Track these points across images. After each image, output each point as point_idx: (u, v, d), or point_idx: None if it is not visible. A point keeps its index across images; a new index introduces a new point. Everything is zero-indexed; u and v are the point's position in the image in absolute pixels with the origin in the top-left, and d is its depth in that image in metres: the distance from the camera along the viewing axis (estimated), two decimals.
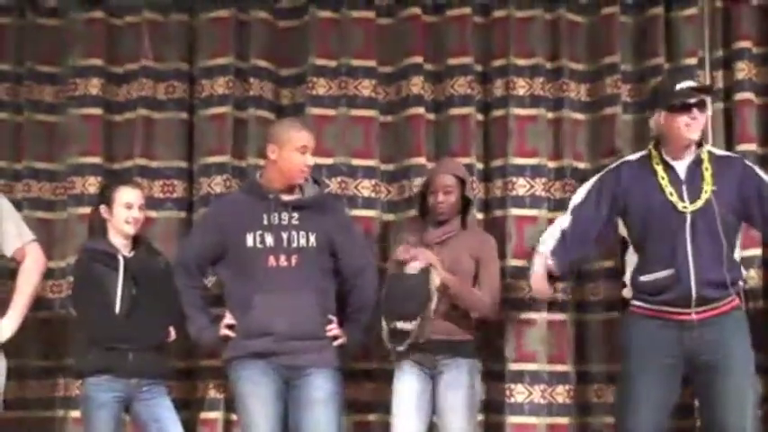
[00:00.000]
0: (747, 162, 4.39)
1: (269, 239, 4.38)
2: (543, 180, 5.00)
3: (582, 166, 5.06)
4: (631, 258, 4.40)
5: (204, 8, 5.18)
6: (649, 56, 5.05)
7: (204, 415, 4.90)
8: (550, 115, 5.07)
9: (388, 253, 4.87)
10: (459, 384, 4.43)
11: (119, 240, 4.51)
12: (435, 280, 4.37)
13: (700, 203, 4.18)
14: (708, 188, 4.20)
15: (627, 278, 4.39)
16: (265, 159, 4.53)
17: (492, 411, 4.90)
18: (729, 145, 4.90)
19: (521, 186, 4.99)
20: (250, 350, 4.34)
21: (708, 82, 4.91)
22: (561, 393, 4.90)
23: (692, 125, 4.22)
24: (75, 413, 4.73)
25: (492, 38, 5.15)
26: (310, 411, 4.31)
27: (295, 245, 4.38)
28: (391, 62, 5.18)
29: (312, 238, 4.40)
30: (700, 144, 4.31)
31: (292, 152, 4.41)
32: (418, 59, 5.10)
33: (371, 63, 5.14)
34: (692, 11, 5.02)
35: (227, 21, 5.14)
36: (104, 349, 4.38)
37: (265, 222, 4.39)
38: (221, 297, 4.58)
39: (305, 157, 4.42)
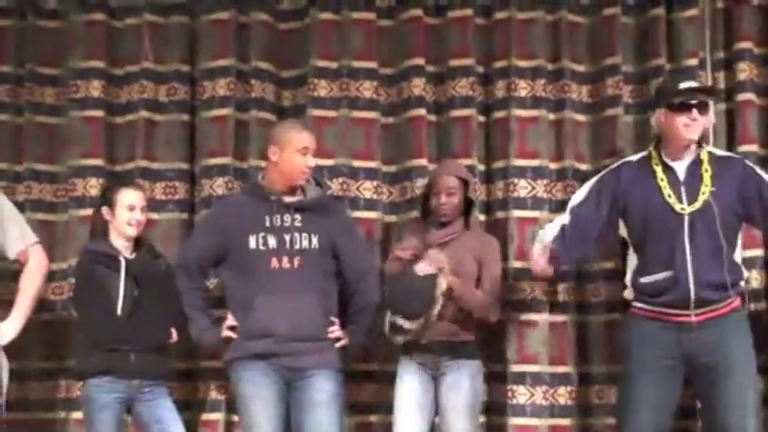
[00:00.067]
0: (748, 162, 4.38)
1: (272, 241, 4.38)
2: (545, 181, 5.00)
3: (583, 167, 5.05)
4: (632, 260, 4.40)
5: (205, 10, 5.17)
6: (651, 57, 5.05)
7: (205, 416, 4.90)
8: (552, 116, 5.07)
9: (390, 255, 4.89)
10: (462, 385, 4.43)
11: (120, 242, 4.51)
12: (442, 284, 4.37)
13: (698, 205, 4.18)
14: (706, 189, 4.20)
15: (627, 279, 4.39)
16: (267, 161, 4.53)
17: (494, 413, 4.90)
18: (731, 146, 4.90)
19: (522, 188, 4.99)
20: (251, 351, 4.34)
21: (709, 83, 4.91)
22: (563, 395, 4.90)
23: (690, 126, 4.21)
24: (77, 414, 4.73)
25: (493, 39, 5.15)
26: (312, 413, 4.30)
27: (297, 247, 4.38)
28: (392, 64, 5.18)
29: (315, 240, 4.40)
30: (700, 145, 4.30)
31: (293, 153, 4.41)
32: (419, 61, 5.10)
33: (373, 65, 5.14)
34: (693, 12, 5.02)
35: (227, 23, 5.14)
36: (106, 351, 4.38)
37: (268, 224, 4.40)
38: (223, 298, 4.58)
39: (306, 159, 4.42)
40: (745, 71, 4.94)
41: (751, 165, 4.36)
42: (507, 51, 5.08)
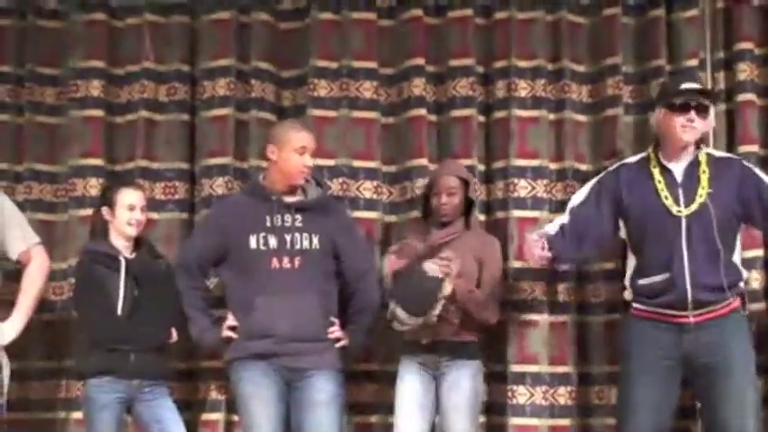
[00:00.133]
0: (746, 163, 4.39)
1: (272, 241, 4.38)
2: (545, 181, 5.00)
3: (583, 167, 5.05)
4: (631, 261, 4.40)
5: (205, 10, 5.18)
6: (651, 57, 5.05)
7: (205, 416, 4.89)
8: (552, 117, 5.07)
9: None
10: (463, 385, 4.43)
11: (120, 242, 4.51)
12: (447, 288, 4.36)
13: (694, 207, 4.18)
14: (703, 191, 4.20)
15: (626, 281, 4.39)
16: (266, 161, 4.53)
17: (494, 413, 4.90)
18: (731, 146, 4.90)
19: (522, 188, 4.99)
20: (252, 351, 4.34)
21: (709, 83, 4.92)
22: (563, 395, 4.90)
23: (687, 127, 4.21)
24: (78, 414, 4.72)
25: (493, 39, 5.15)
26: (312, 413, 4.30)
27: (298, 247, 4.38)
28: (393, 64, 5.18)
29: (315, 241, 4.40)
30: (698, 146, 4.30)
31: (291, 153, 4.41)
32: (420, 61, 5.10)
33: (373, 65, 5.14)
34: (693, 12, 5.02)
35: (228, 22, 5.14)
36: (106, 350, 4.38)
37: (268, 224, 4.40)
38: (223, 298, 4.58)
39: (303, 158, 4.42)
40: (745, 71, 4.94)
41: (749, 165, 4.36)
42: (507, 51, 5.08)
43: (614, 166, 4.47)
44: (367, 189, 5.06)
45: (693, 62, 4.98)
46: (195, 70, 5.18)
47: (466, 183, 4.62)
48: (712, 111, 4.32)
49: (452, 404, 4.42)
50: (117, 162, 5.16)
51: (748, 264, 4.70)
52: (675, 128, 4.22)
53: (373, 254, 4.86)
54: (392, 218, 5.08)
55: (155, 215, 4.97)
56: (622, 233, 4.41)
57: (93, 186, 5.05)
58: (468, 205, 4.64)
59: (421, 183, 4.92)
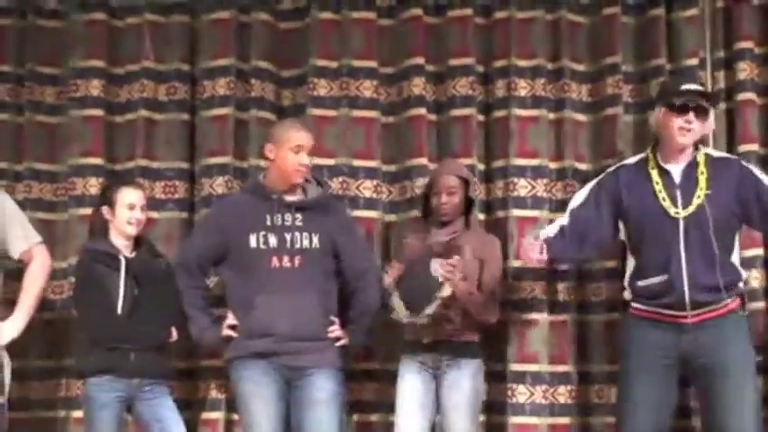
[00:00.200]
0: (744, 163, 4.38)
1: (272, 240, 4.38)
2: (545, 181, 5.00)
3: (583, 166, 5.06)
4: (630, 262, 4.40)
5: (205, 9, 5.18)
6: (650, 56, 5.05)
7: (205, 415, 4.89)
8: (552, 116, 5.08)
9: (390, 254, 4.90)
10: (463, 385, 4.43)
11: (120, 241, 4.51)
12: (445, 291, 4.37)
13: (692, 209, 4.18)
14: (701, 193, 4.19)
15: (626, 281, 4.39)
16: (266, 160, 4.54)
17: (494, 412, 4.90)
18: (731, 145, 4.90)
19: (522, 187, 4.99)
20: (252, 350, 4.34)
21: (709, 83, 4.92)
22: (563, 394, 4.90)
23: (684, 129, 4.21)
24: (78, 413, 4.72)
25: (493, 39, 5.15)
26: (312, 412, 4.30)
27: (298, 246, 4.38)
28: (392, 63, 5.18)
29: (315, 240, 4.40)
30: (697, 147, 4.30)
31: (287, 152, 4.42)
32: (419, 60, 5.10)
33: (373, 64, 5.14)
34: (693, 11, 5.02)
35: (228, 22, 5.15)
36: (106, 349, 4.38)
37: (268, 223, 4.40)
38: (223, 297, 4.57)
39: (299, 157, 4.42)
40: (745, 71, 4.94)
41: (748, 165, 4.35)
42: (507, 51, 5.08)
43: (613, 168, 4.47)
44: (367, 188, 5.06)
45: (693, 61, 4.98)
46: (195, 70, 5.18)
47: (466, 182, 4.62)
48: (712, 114, 4.31)
49: (453, 403, 4.43)
50: (117, 161, 5.16)
51: (748, 263, 4.70)
52: (673, 129, 4.22)
53: (373, 253, 4.86)
54: (392, 217, 5.09)
55: (154, 214, 4.97)
56: (622, 235, 4.41)
57: (93, 185, 5.05)
58: (468, 204, 4.64)
59: (421, 182, 4.93)
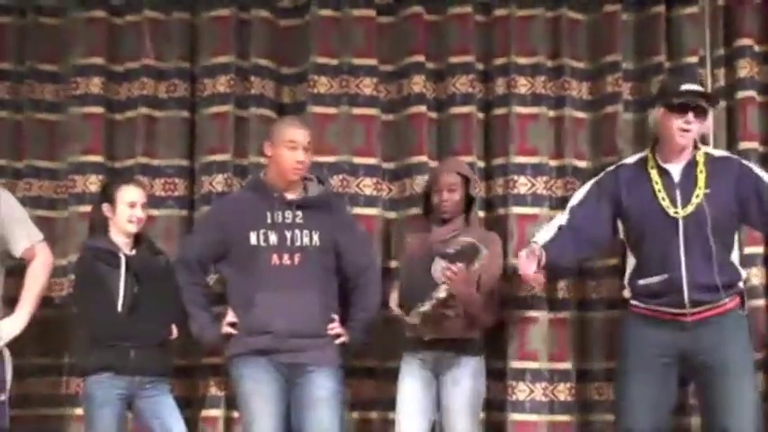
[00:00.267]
0: (744, 161, 4.38)
1: (273, 238, 4.39)
2: (545, 178, 5.00)
3: (583, 164, 5.05)
4: (630, 260, 4.40)
5: (205, 7, 5.17)
6: (651, 54, 5.05)
7: (205, 412, 4.89)
8: (552, 114, 5.07)
9: (391, 251, 4.91)
10: (463, 383, 4.44)
11: (120, 238, 4.52)
12: (440, 292, 4.37)
13: (691, 208, 4.18)
14: (700, 192, 4.19)
15: (625, 280, 4.40)
16: (266, 157, 4.54)
17: (494, 409, 4.90)
18: (732, 143, 4.90)
19: (522, 185, 4.99)
20: (252, 348, 4.34)
21: (709, 80, 4.92)
22: (563, 391, 4.90)
23: (684, 129, 4.21)
24: (78, 411, 4.73)
25: (493, 36, 5.15)
26: (313, 410, 4.31)
27: (298, 243, 4.39)
28: (392, 60, 5.18)
29: (315, 237, 4.41)
30: (696, 146, 4.30)
31: (282, 148, 4.42)
32: (419, 58, 5.10)
33: (373, 61, 5.14)
34: (693, 9, 5.02)
35: (228, 19, 5.14)
36: (106, 347, 4.39)
37: (269, 221, 4.40)
38: (223, 295, 4.58)
39: (295, 153, 4.42)
40: (745, 68, 4.94)
41: (747, 164, 4.35)
42: (507, 48, 5.08)
43: (613, 167, 4.47)
44: (367, 186, 5.06)
45: (693, 59, 4.98)
46: (195, 67, 5.18)
47: (466, 180, 4.62)
48: (711, 113, 4.31)
49: (453, 403, 4.43)
50: (117, 159, 5.16)
51: (748, 260, 4.70)
52: (672, 129, 4.22)
53: (374, 250, 4.85)
54: (392, 214, 5.08)
55: (154, 212, 4.96)
56: (621, 234, 4.41)
57: (93, 183, 5.05)
58: (468, 202, 4.64)
59: (421, 180, 4.93)
